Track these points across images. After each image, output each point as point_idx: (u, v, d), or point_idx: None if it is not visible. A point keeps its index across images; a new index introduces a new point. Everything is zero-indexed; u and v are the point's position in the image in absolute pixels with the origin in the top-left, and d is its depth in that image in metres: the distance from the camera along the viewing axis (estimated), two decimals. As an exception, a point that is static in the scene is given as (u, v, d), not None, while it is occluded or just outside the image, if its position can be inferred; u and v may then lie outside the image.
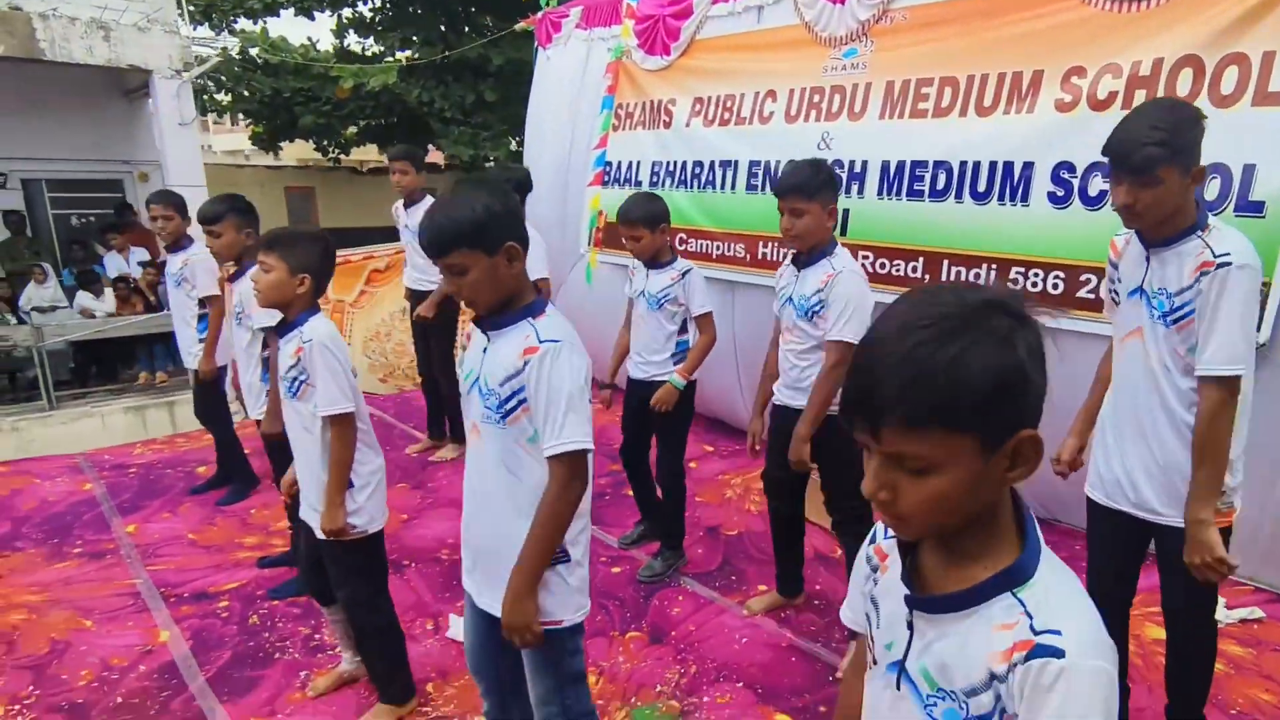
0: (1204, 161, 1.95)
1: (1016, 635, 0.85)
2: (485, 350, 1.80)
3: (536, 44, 6.36)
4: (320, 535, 2.44)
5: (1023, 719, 0.84)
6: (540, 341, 1.69)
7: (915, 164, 3.89)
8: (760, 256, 4.55)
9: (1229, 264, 1.86)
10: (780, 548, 3.22)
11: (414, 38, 11.45)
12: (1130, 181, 1.91)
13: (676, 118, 5.04)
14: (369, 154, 15.71)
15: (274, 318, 2.60)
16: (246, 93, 11.72)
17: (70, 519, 4.30)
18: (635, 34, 5.31)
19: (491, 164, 11.94)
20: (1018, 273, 3.61)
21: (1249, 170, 2.94)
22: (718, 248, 4.78)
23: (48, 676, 2.96)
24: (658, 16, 5.16)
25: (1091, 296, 3.37)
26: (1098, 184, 3.36)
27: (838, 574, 3.49)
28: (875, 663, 1.02)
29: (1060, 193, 3.47)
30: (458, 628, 3.14)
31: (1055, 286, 3.48)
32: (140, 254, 9.26)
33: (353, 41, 13.39)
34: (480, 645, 2.01)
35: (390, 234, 6.19)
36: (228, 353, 4.14)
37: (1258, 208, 2.93)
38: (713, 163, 4.80)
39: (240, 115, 12.90)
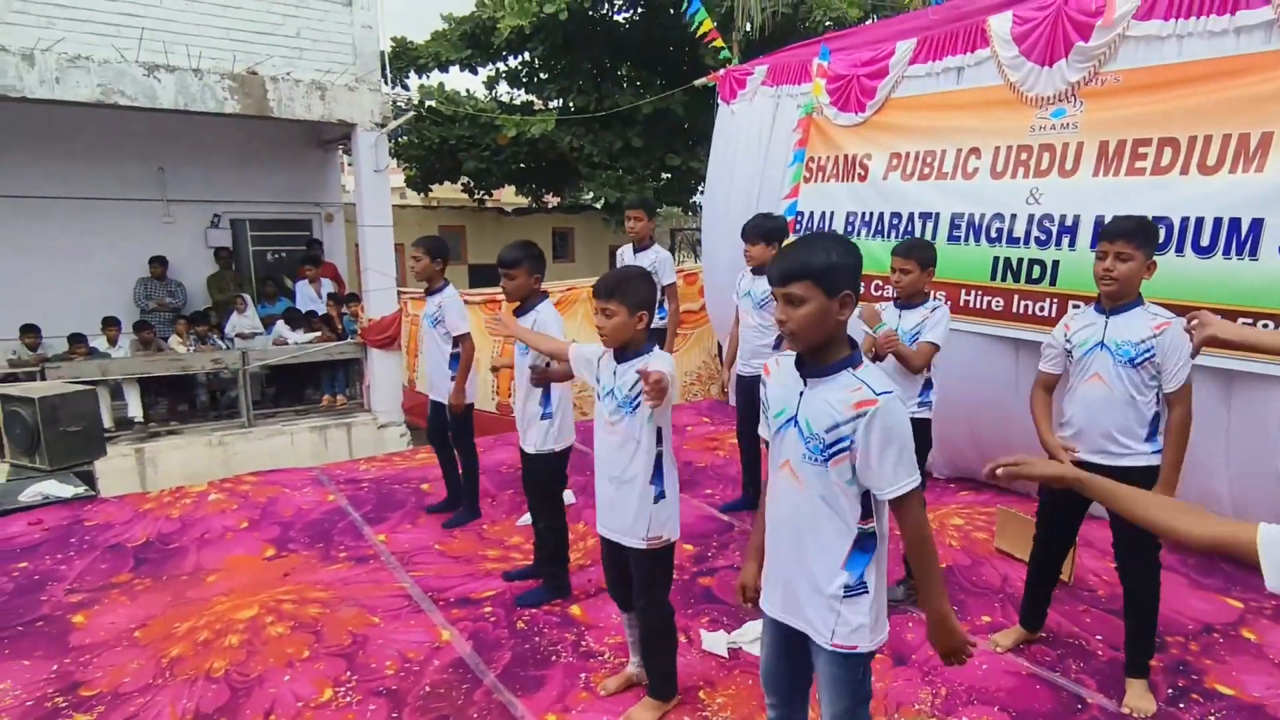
0: None
1: None
2: (802, 394, 1.93)
3: (719, 99, 6.77)
4: (631, 545, 2.80)
5: None
6: (877, 394, 1.82)
7: (1132, 219, 4.04)
8: (962, 303, 4.75)
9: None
10: (1034, 582, 3.38)
11: (572, 89, 12.18)
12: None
13: (873, 171, 5.31)
14: (509, 194, 16.64)
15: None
16: (418, 139, 12.69)
17: (328, 526, 4.82)
18: (827, 91, 5.63)
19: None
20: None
21: None
22: (915, 294, 4.99)
23: (359, 664, 3.37)
24: (851, 76, 5.46)
25: (1327, 350, 3.45)
26: (1335, 240, 3.46)
27: (1060, 609, 3.65)
28: None
29: (1293, 248, 3.58)
30: (712, 642, 3.44)
31: (1286, 339, 3.57)
32: (328, 285, 10.13)
33: (502, 92, 14.31)
34: (778, 662, 2.16)
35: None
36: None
37: None
38: (912, 214, 5.03)
39: (399, 159, 13.89)
